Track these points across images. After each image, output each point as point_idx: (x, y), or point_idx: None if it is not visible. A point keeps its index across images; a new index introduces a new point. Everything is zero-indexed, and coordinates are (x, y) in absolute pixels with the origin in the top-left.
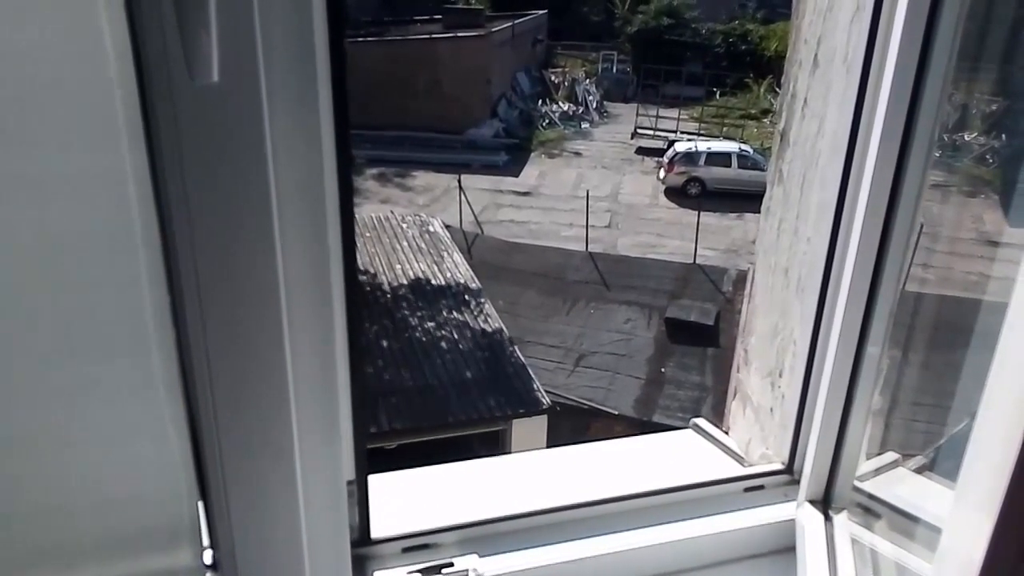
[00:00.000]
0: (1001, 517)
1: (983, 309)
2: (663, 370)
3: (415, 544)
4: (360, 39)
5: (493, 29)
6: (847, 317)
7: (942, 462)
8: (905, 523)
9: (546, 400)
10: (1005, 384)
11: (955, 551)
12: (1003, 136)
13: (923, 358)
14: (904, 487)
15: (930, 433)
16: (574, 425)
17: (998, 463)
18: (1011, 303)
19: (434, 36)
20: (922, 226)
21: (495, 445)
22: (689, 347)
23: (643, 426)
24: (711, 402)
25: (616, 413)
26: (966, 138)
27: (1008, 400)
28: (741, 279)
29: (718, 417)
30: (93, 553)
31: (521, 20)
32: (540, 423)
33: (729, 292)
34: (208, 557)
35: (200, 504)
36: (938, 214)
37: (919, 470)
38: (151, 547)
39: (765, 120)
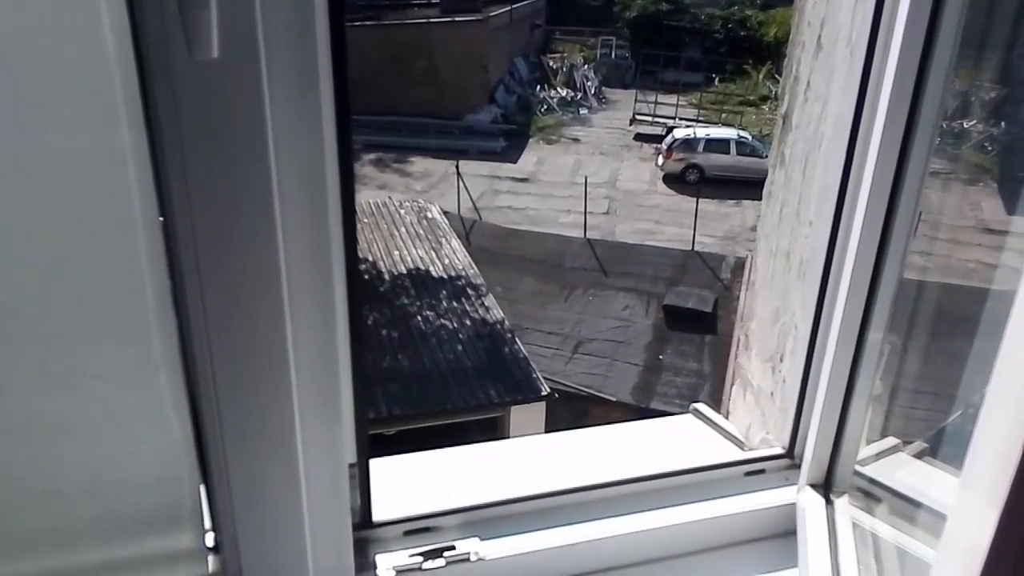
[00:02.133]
0: (1008, 505)
1: (982, 297)
2: (661, 357)
3: (417, 527)
4: (357, 23)
5: (491, 14)
6: (849, 302)
7: (942, 448)
8: (906, 507)
9: (544, 387)
10: (1012, 372)
11: (960, 537)
12: (1003, 124)
13: (924, 345)
14: (905, 472)
15: (930, 420)
16: (572, 411)
17: (1005, 450)
18: (1019, 290)
19: (431, 20)
20: (920, 214)
21: (493, 431)
22: (687, 334)
23: (641, 412)
24: (709, 389)
25: (614, 399)
26: (965, 125)
27: (1015, 388)
28: (739, 266)
29: (716, 403)
30: (95, 536)
31: (519, 5)
32: (538, 410)
33: (727, 279)
34: (210, 539)
35: (201, 487)
36: (936, 201)
37: (919, 455)
38: (153, 530)
39: (764, 106)
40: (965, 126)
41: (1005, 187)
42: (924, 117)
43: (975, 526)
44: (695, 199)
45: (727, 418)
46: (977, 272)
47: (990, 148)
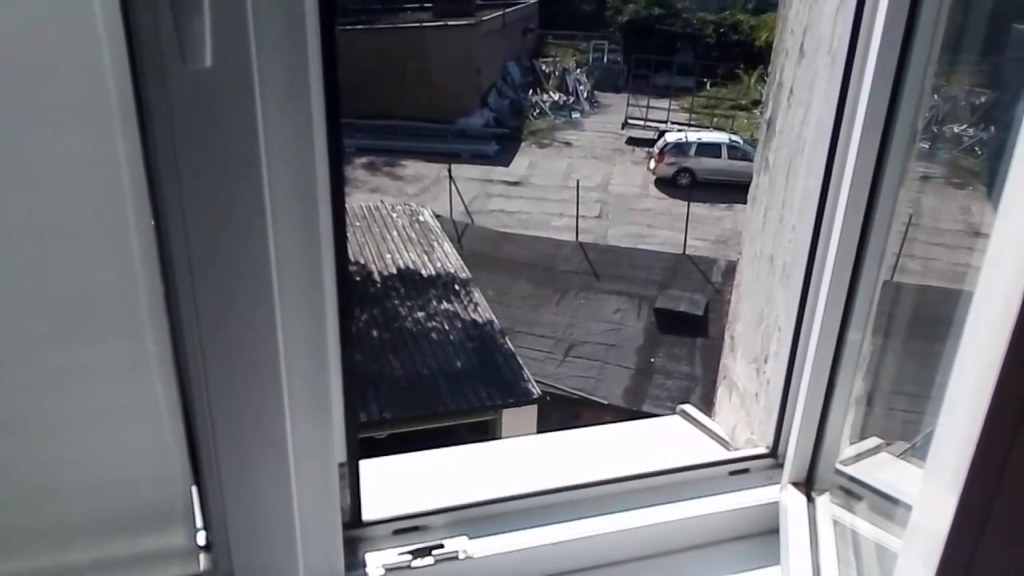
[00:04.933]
0: (963, 494)
1: (968, 299)
2: (652, 360)
3: (406, 526)
4: (349, 27)
5: (483, 18)
6: (829, 304)
7: (925, 448)
8: (884, 504)
9: (536, 390)
10: (969, 370)
11: (923, 526)
12: (985, 127)
13: (910, 347)
14: (885, 471)
15: (914, 421)
16: (564, 415)
17: (962, 445)
18: (976, 291)
19: (424, 24)
20: (911, 216)
21: (485, 435)
22: (678, 337)
23: (632, 416)
24: (700, 392)
25: (606, 403)
26: (955, 129)
27: (971, 386)
28: (730, 270)
29: (707, 406)
30: (87, 534)
31: (512, 9)
32: (530, 413)
33: (718, 283)
34: (201, 538)
35: (193, 486)
36: (926, 205)
37: (903, 455)
38: (145, 528)
39: (755, 111)
40: (956, 131)
41: (995, 191)
42: (901, 122)
43: (936, 515)
44: (686, 203)
45: (714, 419)
46: (967, 275)
47: (980, 152)
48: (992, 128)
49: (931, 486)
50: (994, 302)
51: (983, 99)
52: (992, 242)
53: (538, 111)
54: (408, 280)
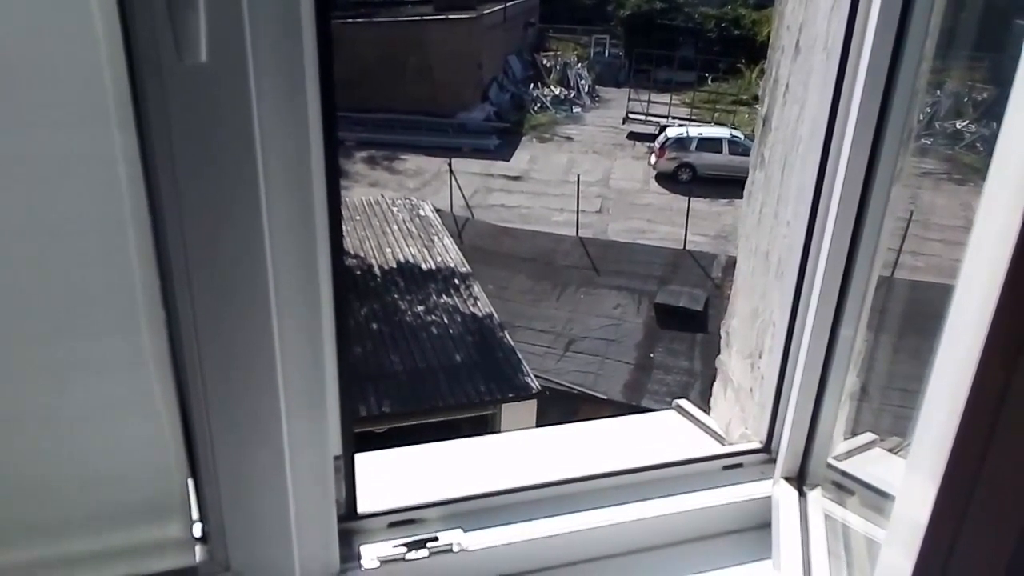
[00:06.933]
0: (943, 484)
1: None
2: (652, 355)
3: (401, 519)
4: (349, 20)
5: (484, 12)
6: (822, 299)
7: None
8: (875, 499)
9: (535, 384)
10: (949, 362)
11: (905, 515)
12: (987, 123)
13: (905, 343)
14: (877, 466)
15: (905, 417)
16: (563, 409)
17: (942, 436)
18: (957, 284)
19: (425, 18)
20: (911, 213)
21: (484, 429)
22: (678, 332)
23: (632, 411)
24: (699, 387)
25: (605, 398)
26: (957, 125)
27: (951, 377)
28: (730, 265)
29: (706, 402)
30: (85, 526)
31: (513, 3)
32: (529, 407)
33: (718, 278)
34: (198, 530)
35: (189, 479)
36: (926, 201)
37: (896, 451)
38: (142, 520)
39: (757, 106)
40: (957, 127)
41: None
42: (894, 119)
43: (917, 504)
44: (687, 198)
45: (710, 414)
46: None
47: (982, 148)
48: (994, 124)
49: (912, 476)
50: (973, 296)
51: (984, 95)
52: (972, 238)
53: (539, 105)
54: (408, 274)
